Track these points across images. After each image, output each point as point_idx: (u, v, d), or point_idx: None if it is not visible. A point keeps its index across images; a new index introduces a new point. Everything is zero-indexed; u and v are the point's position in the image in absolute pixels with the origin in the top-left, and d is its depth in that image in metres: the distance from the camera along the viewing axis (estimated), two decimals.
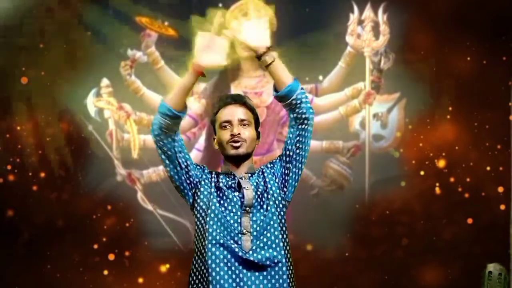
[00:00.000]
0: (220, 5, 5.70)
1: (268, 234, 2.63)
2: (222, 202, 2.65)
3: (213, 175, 2.72)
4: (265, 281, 2.59)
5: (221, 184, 2.68)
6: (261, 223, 2.63)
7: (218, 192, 2.67)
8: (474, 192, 5.59)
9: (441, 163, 5.66)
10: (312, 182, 5.68)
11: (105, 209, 5.65)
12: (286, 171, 2.72)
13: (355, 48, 5.70)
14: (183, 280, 5.60)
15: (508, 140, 5.59)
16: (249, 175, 2.70)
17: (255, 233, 2.61)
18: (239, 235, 2.61)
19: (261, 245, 2.61)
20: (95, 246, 5.62)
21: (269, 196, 2.67)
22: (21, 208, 5.64)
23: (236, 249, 2.58)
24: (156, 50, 5.71)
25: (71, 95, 5.71)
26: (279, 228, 2.66)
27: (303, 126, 2.66)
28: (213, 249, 2.59)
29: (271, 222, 2.65)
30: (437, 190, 5.66)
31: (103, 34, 5.71)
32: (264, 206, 2.65)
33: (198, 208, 2.67)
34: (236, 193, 2.66)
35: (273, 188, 2.69)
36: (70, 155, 5.72)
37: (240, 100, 2.74)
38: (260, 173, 2.73)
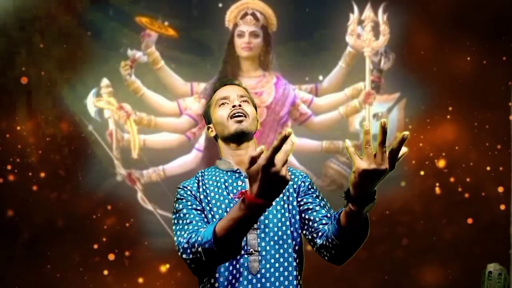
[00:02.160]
0: (220, 5, 5.71)
1: (277, 256, 2.25)
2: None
3: (214, 188, 2.34)
4: None
5: (226, 194, 2.29)
6: (271, 241, 2.26)
7: (226, 207, 2.28)
8: (474, 192, 5.59)
9: (441, 163, 5.67)
10: None
11: (105, 209, 5.65)
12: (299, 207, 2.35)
13: (355, 48, 5.70)
14: (183, 280, 5.63)
15: (508, 140, 5.58)
16: None
17: (264, 253, 2.25)
18: (245, 256, 2.24)
19: (271, 268, 2.24)
20: (95, 246, 5.62)
21: (286, 206, 2.30)
22: (21, 208, 5.64)
23: (240, 274, 2.23)
24: (156, 50, 5.71)
25: (71, 95, 5.72)
26: (293, 250, 2.27)
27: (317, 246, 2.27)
28: (216, 276, 2.26)
29: (283, 240, 2.26)
30: (437, 190, 5.66)
31: (103, 34, 5.71)
32: (275, 220, 2.28)
33: None
34: None
35: (291, 199, 2.32)
36: (70, 155, 5.72)
37: (235, 82, 2.52)
38: None
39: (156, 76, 5.73)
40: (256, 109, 2.47)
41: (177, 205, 2.31)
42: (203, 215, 2.27)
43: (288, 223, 2.29)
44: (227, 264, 2.23)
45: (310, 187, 2.38)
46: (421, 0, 5.65)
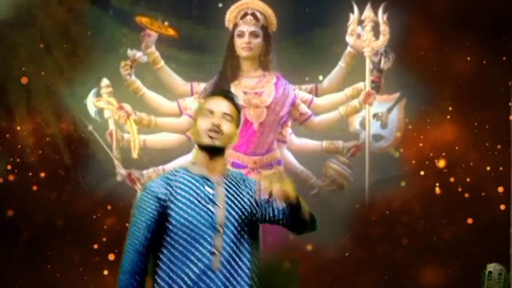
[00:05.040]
0: (220, 5, 5.71)
1: (234, 255, 2.53)
2: (195, 221, 2.50)
3: (185, 193, 2.54)
4: None
5: (196, 200, 2.52)
6: (233, 244, 2.53)
7: (192, 212, 2.51)
8: (474, 192, 5.59)
9: (441, 163, 5.66)
10: (312, 182, 5.68)
11: (105, 209, 5.65)
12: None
13: (355, 48, 5.70)
14: None
15: (508, 140, 5.58)
16: (223, 177, 2.61)
17: (225, 253, 2.51)
18: (209, 256, 2.49)
19: (230, 267, 2.51)
20: (95, 246, 5.62)
21: (244, 212, 2.58)
22: (21, 208, 5.64)
23: (202, 272, 2.48)
24: (156, 50, 5.70)
25: (71, 95, 5.72)
26: (250, 252, 2.57)
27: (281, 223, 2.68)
28: (179, 274, 2.50)
29: (241, 240, 2.56)
30: (437, 190, 5.65)
31: (103, 34, 5.71)
32: (236, 224, 2.54)
33: (168, 231, 2.53)
34: (213, 208, 2.52)
35: (246, 206, 2.60)
36: (70, 155, 5.72)
37: (229, 95, 2.67)
38: (235, 181, 2.64)
39: (156, 76, 5.73)
40: (239, 123, 2.68)
41: (136, 211, 2.55)
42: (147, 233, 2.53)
43: (248, 223, 2.58)
44: (188, 262, 2.48)
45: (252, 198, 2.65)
46: (421, 0, 5.65)
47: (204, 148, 2.58)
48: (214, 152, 2.59)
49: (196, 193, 2.54)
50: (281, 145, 5.73)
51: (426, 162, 5.67)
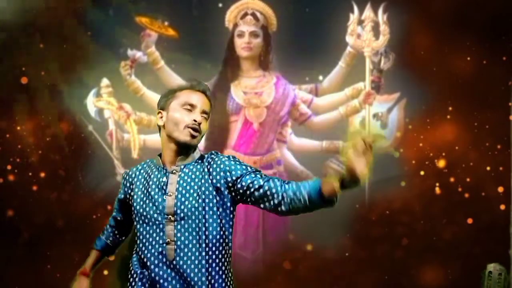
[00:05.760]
0: (220, 5, 5.71)
1: (190, 245, 2.48)
2: (148, 209, 2.55)
3: (142, 180, 2.63)
4: None
5: (149, 189, 2.58)
6: (186, 232, 2.48)
7: (146, 200, 2.58)
8: (474, 192, 5.59)
9: (441, 163, 5.66)
10: None
11: (105, 209, 5.64)
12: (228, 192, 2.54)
13: (355, 48, 5.70)
14: None
15: (508, 140, 5.58)
16: (182, 166, 2.55)
17: (178, 243, 2.48)
18: (164, 245, 2.50)
19: (184, 257, 2.48)
20: None
21: (198, 201, 2.51)
22: (21, 208, 5.64)
23: (159, 260, 2.50)
24: (156, 50, 5.71)
25: (71, 95, 5.72)
26: (207, 238, 2.48)
27: (268, 205, 2.46)
28: (136, 267, 2.59)
29: (197, 230, 2.49)
30: (437, 190, 5.65)
31: (103, 34, 5.71)
32: (189, 213, 2.49)
33: (134, 217, 2.67)
34: (164, 197, 2.53)
35: (201, 194, 2.52)
36: (70, 155, 5.72)
37: (207, 93, 2.63)
38: (204, 165, 2.56)
39: (156, 76, 5.73)
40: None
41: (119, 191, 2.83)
42: (121, 213, 2.93)
43: (203, 212, 2.49)
44: (146, 251, 2.52)
45: (229, 171, 2.52)
46: (421, 0, 5.65)
47: (177, 143, 2.55)
48: (185, 149, 2.57)
49: (153, 182, 2.58)
50: (281, 145, 5.73)
51: (426, 162, 5.66)
